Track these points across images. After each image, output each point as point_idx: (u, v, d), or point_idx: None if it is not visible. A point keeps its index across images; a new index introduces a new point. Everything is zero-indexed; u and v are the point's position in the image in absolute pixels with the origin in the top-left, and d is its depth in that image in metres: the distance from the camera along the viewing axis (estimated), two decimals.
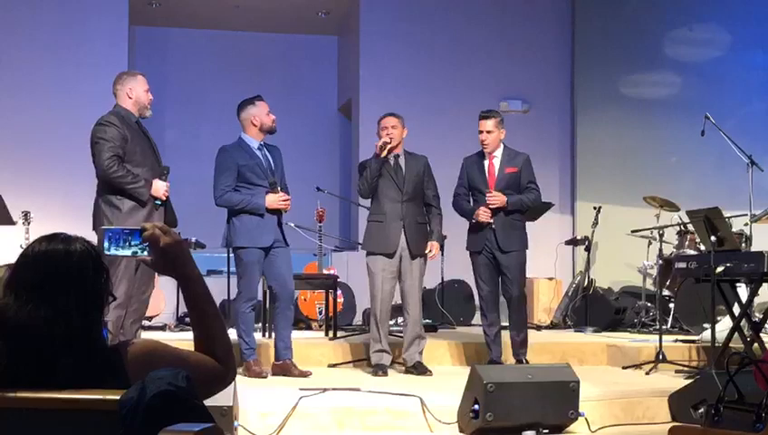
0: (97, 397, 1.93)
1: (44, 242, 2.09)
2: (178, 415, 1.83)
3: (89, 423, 1.93)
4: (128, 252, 2.18)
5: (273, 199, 6.53)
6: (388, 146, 6.77)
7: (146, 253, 2.16)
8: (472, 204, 6.99)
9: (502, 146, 6.97)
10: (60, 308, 2.01)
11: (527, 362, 6.85)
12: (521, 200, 6.87)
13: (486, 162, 6.96)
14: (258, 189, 6.55)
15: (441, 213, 7.08)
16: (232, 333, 7.97)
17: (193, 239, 9.06)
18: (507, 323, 7.02)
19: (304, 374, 6.58)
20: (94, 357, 2.03)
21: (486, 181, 6.89)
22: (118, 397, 1.89)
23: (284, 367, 6.62)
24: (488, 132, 6.89)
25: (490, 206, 6.78)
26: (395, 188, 6.86)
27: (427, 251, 6.96)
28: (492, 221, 6.78)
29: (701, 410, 5.17)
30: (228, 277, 8.88)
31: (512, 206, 6.82)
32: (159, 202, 5.84)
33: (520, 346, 6.88)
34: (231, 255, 6.98)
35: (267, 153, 6.70)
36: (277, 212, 6.60)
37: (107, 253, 2.17)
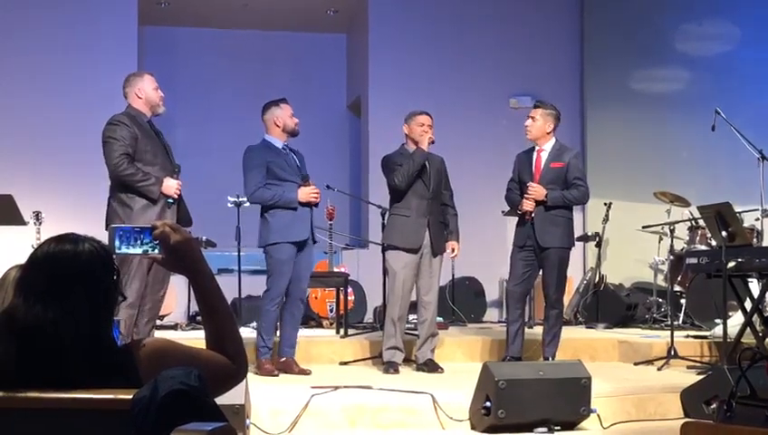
0: (109, 397, 1.94)
1: (53, 243, 2.09)
2: (191, 414, 1.83)
3: (100, 423, 1.93)
4: (138, 250, 2.18)
5: (305, 192, 6.57)
6: (432, 141, 6.84)
7: (156, 251, 2.16)
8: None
9: (553, 140, 6.88)
10: (69, 308, 2.01)
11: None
12: (563, 196, 6.74)
13: (534, 156, 6.91)
14: (288, 184, 6.60)
15: (457, 213, 7.10)
16: (243, 331, 7.99)
17: (204, 238, 9.08)
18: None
19: (304, 372, 6.60)
20: (105, 357, 2.03)
21: (532, 174, 6.82)
22: (130, 396, 1.89)
23: (285, 364, 6.63)
24: (532, 119, 6.85)
25: (528, 197, 6.74)
26: (423, 185, 6.89)
27: (449, 251, 7.00)
28: (533, 211, 6.72)
29: (713, 405, 5.15)
30: (239, 276, 8.90)
31: (552, 201, 6.71)
32: (171, 200, 5.86)
33: (548, 345, 6.81)
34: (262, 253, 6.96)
35: (292, 153, 6.76)
36: (309, 206, 6.63)
37: (117, 252, 2.16)
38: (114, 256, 2.14)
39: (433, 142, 6.85)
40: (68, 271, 2.04)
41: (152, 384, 1.87)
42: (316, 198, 6.64)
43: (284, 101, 6.77)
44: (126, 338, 5.57)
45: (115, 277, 2.11)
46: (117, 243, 2.17)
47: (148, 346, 2.08)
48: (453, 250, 7.06)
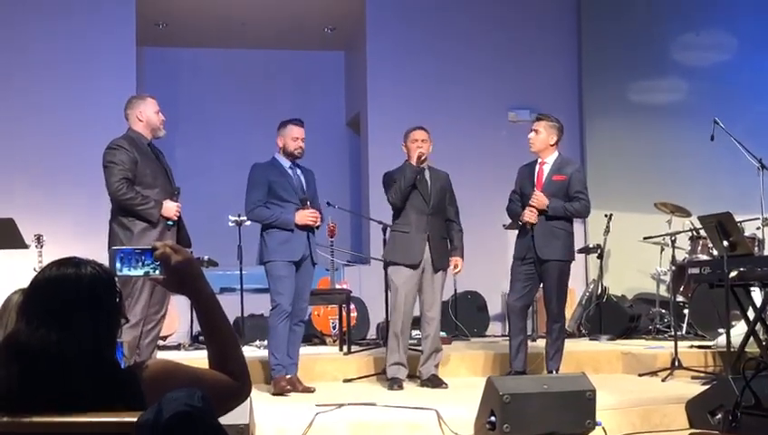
0: (113, 420, 1.94)
1: (55, 267, 2.10)
2: None
3: None
4: (140, 272, 2.19)
5: (303, 215, 6.58)
6: (423, 156, 6.83)
7: (158, 272, 2.17)
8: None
9: (556, 154, 6.89)
10: (72, 332, 2.01)
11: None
12: (564, 207, 6.73)
13: (537, 168, 6.91)
14: (288, 205, 6.63)
15: (462, 229, 7.09)
16: (247, 350, 7.98)
17: (205, 258, 9.09)
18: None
19: (308, 390, 6.60)
20: (109, 380, 2.03)
21: (534, 186, 6.83)
22: (134, 419, 1.89)
23: (289, 382, 6.63)
24: (535, 132, 6.86)
25: (531, 204, 6.73)
26: (422, 201, 6.90)
27: (452, 267, 6.99)
28: (535, 222, 6.72)
29: (718, 416, 5.15)
30: (242, 295, 8.90)
31: (552, 211, 6.70)
32: (171, 222, 5.88)
33: (551, 358, 6.80)
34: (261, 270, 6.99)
35: (300, 173, 6.78)
36: (308, 229, 6.65)
37: (119, 274, 2.17)
38: (116, 279, 2.15)
39: (422, 157, 6.83)
40: (71, 295, 2.04)
41: (156, 407, 1.87)
42: (314, 221, 6.65)
43: (294, 121, 6.77)
44: (129, 360, 5.58)
45: (117, 300, 2.12)
46: (118, 265, 2.17)
47: (152, 368, 2.09)
48: (456, 266, 7.04)
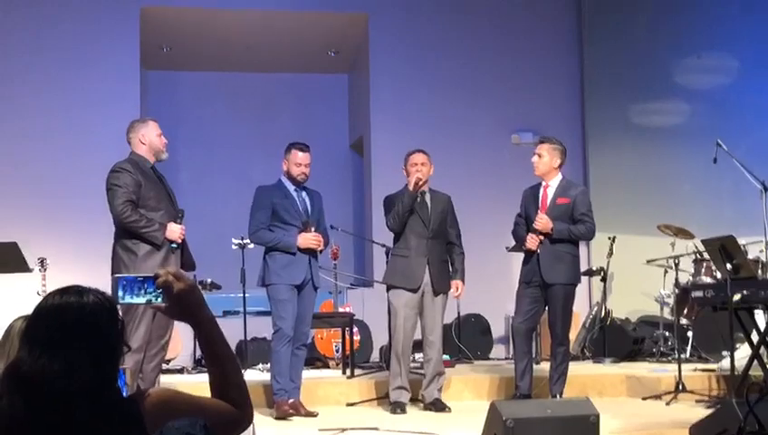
0: None
1: (58, 295, 2.10)
2: None
3: None
4: (142, 300, 2.20)
5: (305, 239, 6.58)
6: (421, 182, 6.81)
7: (160, 300, 2.18)
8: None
9: (560, 176, 6.91)
10: (74, 361, 2.01)
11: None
12: (569, 230, 6.74)
13: (541, 192, 6.92)
14: (292, 229, 6.65)
15: (464, 252, 7.07)
16: (250, 373, 7.96)
17: (208, 280, 9.08)
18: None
19: (311, 414, 6.60)
20: (111, 409, 2.03)
21: (538, 210, 6.83)
22: None
23: (292, 406, 6.61)
24: (539, 156, 6.87)
25: (535, 227, 6.72)
26: (421, 225, 6.90)
27: (452, 290, 6.97)
28: (537, 250, 6.72)
29: None
30: (245, 318, 8.87)
31: (557, 234, 6.70)
32: (175, 245, 5.89)
33: (555, 382, 6.78)
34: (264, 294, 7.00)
35: (306, 196, 6.79)
36: (310, 252, 6.64)
37: (121, 302, 2.18)
38: (118, 306, 2.15)
39: (419, 182, 6.82)
40: (73, 323, 2.05)
41: None
42: (317, 244, 6.66)
43: (298, 146, 6.77)
44: (132, 386, 5.56)
45: (120, 328, 2.12)
46: (120, 293, 2.19)
47: (154, 397, 2.08)
48: (456, 289, 7.03)
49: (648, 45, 10.93)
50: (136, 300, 2.20)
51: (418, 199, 6.91)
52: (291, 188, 6.76)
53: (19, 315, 2.73)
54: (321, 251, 6.78)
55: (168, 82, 11.76)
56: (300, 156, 6.72)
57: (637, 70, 10.88)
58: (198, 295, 2.20)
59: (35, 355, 2.01)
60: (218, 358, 2.21)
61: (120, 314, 2.16)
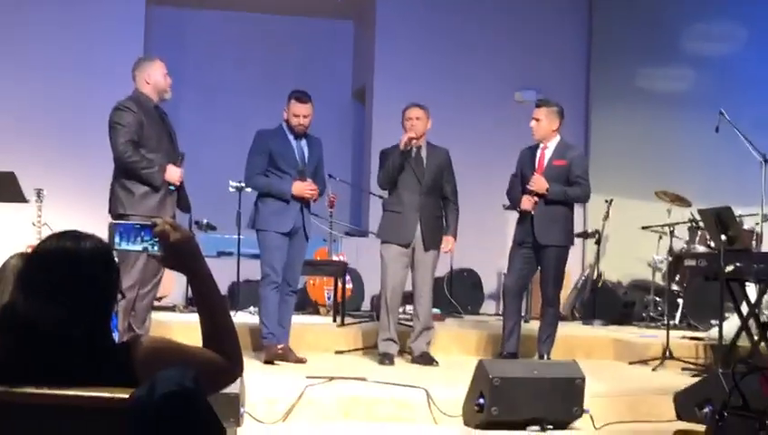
0: (105, 395, 1.95)
1: (54, 239, 2.11)
2: (186, 417, 1.85)
3: (96, 421, 1.96)
4: (138, 247, 2.21)
5: (300, 187, 6.57)
6: (414, 140, 6.78)
7: (156, 249, 2.19)
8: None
9: (557, 138, 6.88)
10: (68, 306, 2.02)
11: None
12: (564, 191, 6.74)
13: (538, 153, 6.90)
14: (287, 176, 6.63)
15: (458, 208, 7.05)
16: (241, 316, 7.99)
17: (204, 221, 9.10)
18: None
19: (301, 361, 6.64)
20: (103, 355, 2.05)
21: (534, 171, 6.81)
22: (126, 395, 1.91)
23: (283, 352, 6.65)
24: (537, 120, 6.84)
25: (530, 188, 6.72)
26: (414, 180, 6.87)
27: (442, 246, 6.97)
28: (532, 211, 6.72)
29: (705, 410, 5.17)
30: (238, 260, 8.90)
31: (552, 195, 6.70)
32: (173, 187, 5.89)
33: (543, 342, 6.82)
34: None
35: (305, 143, 6.75)
36: (303, 201, 6.64)
37: (117, 248, 2.19)
38: (114, 253, 2.16)
39: (410, 141, 6.77)
40: (68, 269, 2.06)
41: (149, 385, 1.88)
42: (311, 194, 6.64)
43: (299, 97, 6.69)
44: (123, 323, 5.60)
45: (115, 276, 2.13)
46: (117, 239, 2.19)
47: (146, 345, 2.10)
48: (447, 244, 7.00)
49: (657, 9, 10.82)
50: (132, 247, 2.21)
51: (413, 154, 6.87)
52: (290, 135, 6.72)
53: (14, 253, 2.74)
54: (315, 200, 6.78)
55: (173, 20, 11.65)
56: (299, 107, 6.65)
57: (645, 34, 10.79)
58: (194, 247, 2.21)
59: (30, 298, 2.02)
60: (212, 310, 2.22)
61: (117, 261, 2.17)
